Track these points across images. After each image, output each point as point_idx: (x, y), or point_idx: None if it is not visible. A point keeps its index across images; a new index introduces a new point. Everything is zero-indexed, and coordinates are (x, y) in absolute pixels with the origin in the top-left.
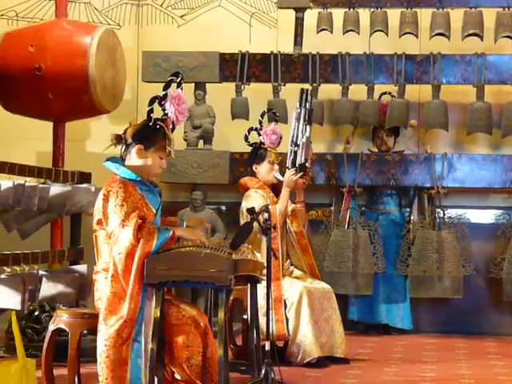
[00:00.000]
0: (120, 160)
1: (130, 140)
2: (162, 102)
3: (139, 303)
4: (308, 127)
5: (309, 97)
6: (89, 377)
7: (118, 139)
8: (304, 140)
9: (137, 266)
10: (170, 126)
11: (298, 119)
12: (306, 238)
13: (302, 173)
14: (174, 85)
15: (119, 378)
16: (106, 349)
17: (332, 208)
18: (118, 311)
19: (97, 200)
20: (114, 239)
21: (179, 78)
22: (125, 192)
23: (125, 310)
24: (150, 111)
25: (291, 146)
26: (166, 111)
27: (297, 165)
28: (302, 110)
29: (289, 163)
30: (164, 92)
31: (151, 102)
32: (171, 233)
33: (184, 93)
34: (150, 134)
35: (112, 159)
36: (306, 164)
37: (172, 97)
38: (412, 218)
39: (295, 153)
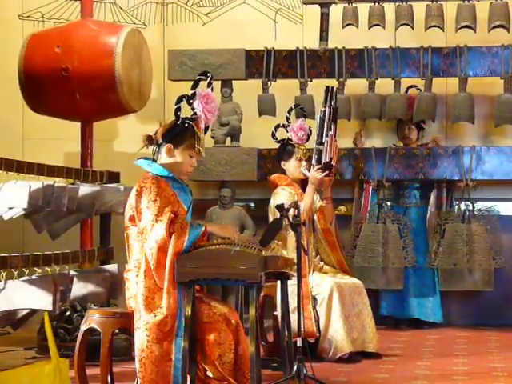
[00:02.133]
0: (152, 160)
1: (160, 140)
2: (191, 101)
3: (177, 298)
4: (333, 125)
5: (334, 94)
6: (121, 375)
7: (150, 140)
8: (329, 138)
9: (170, 262)
10: (202, 126)
11: (323, 117)
12: (333, 234)
13: (326, 171)
14: (204, 84)
15: (163, 373)
16: (148, 344)
17: (357, 203)
18: (155, 306)
19: (129, 197)
20: (146, 234)
21: (209, 78)
22: (158, 187)
23: (164, 305)
24: (177, 110)
25: (317, 144)
26: (195, 110)
27: (322, 163)
28: (327, 108)
29: (314, 161)
30: (192, 91)
31: (178, 100)
32: (203, 228)
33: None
34: (179, 133)
35: (144, 158)
36: (331, 162)
37: (200, 95)
38: (430, 210)
39: (320, 151)
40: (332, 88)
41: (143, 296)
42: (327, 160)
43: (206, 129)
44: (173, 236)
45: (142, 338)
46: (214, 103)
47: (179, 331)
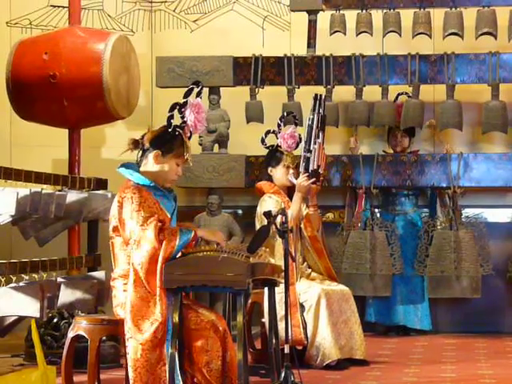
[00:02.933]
0: (135, 165)
1: (147, 145)
2: (182, 110)
3: (166, 305)
4: (321, 133)
5: (322, 102)
6: (109, 383)
7: (135, 144)
8: (316, 146)
9: (161, 268)
10: (188, 134)
11: (311, 125)
12: (321, 242)
13: (314, 179)
14: (194, 93)
15: (159, 379)
16: (144, 353)
17: (350, 210)
18: (150, 315)
19: (111, 207)
20: (134, 244)
21: (200, 87)
22: (140, 197)
23: (158, 312)
24: (171, 117)
25: (304, 151)
26: (185, 119)
27: (309, 171)
28: (315, 115)
29: (302, 169)
30: (184, 99)
31: (172, 108)
32: (193, 233)
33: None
34: (169, 140)
35: (125, 165)
36: (319, 170)
37: (192, 105)
38: (439, 217)
39: (308, 158)
40: (321, 96)
41: (136, 306)
42: (315, 168)
43: (190, 136)
44: (163, 242)
45: (135, 348)
46: (204, 113)
47: (168, 336)
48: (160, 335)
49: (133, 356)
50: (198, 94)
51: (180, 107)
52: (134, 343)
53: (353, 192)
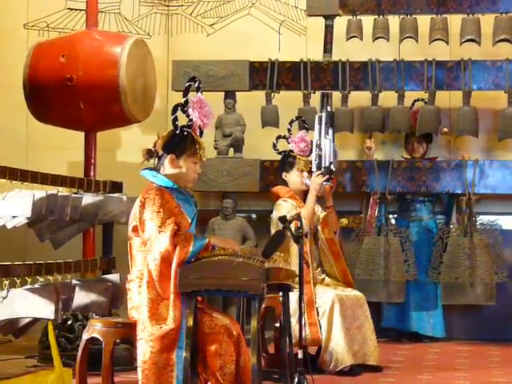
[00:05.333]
0: (156, 171)
1: (160, 152)
2: (185, 109)
3: (181, 310)
4: (330, 130)
5: (329, 99)
6: None
7: (150, 153)
8: (327, 142)
9: (175, 273)
10: (198, 131)
11: (320, 123)
12: (338, 244)
13: (327, 176)
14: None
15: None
16: (152, 356)
17: (362, 215)
18: (160, 318)
19: (133, 207)
20: (150, 245)
21: (197, 83)
22: (161, 199)
23: (170, 317)
24: (175, 119)
25: (316, 150)
26: (190, 117)
27: (322, 168)
28: (323, 113)
29: (314, 167)
30: (184, 99)
31: (174, 110)
32: (207, 240)
33: (212, 101)
34: (179, 142)
35: (148, 168)
36: (331, 167)
37: (193, 102)
38: (454, 223)
39: (320, 156)
40: (327, 94)
41: (147, 307)
42: (327, 165)
43: (201, 133)
44: (177, 247)
45: (145, 350)
46: (207, 107)
47: (180, 342)
48: (170, 341)
49: (141, 357)
50: (198, 89)
51: (182, 107)
52: (143, 345)
53: (369, 198)
